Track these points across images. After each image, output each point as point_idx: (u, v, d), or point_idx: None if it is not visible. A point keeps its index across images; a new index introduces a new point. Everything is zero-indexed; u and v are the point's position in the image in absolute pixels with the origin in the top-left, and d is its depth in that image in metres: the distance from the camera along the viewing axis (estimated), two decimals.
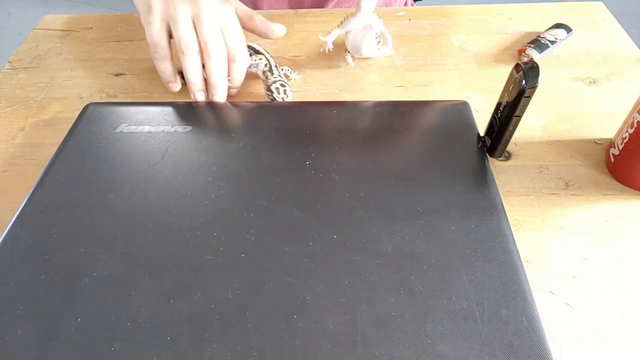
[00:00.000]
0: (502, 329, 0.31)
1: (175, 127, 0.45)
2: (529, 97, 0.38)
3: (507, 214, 0.38)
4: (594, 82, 0.54)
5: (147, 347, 0.31)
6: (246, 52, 0.51)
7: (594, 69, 0.56)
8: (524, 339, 0.31)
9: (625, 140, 0.42)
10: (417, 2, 0.91)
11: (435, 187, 0.40)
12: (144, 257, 0.36)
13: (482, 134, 0.45)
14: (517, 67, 0.39)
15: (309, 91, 0.55)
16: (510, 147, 0.47)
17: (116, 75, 0.58)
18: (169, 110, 0.48)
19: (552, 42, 0.58)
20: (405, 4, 0.85)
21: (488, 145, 0.44)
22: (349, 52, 0.57)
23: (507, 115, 0.40)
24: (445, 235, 0.37)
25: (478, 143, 0.44)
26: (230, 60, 0.49)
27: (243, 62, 0.50)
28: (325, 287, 0.34)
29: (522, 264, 0.35)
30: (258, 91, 0.55)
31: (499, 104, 0.42)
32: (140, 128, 0.45)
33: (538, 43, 0.57)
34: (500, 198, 0.39)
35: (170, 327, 0.32)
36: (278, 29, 0.54)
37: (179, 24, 0.46)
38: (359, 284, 0.34)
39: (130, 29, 0.65)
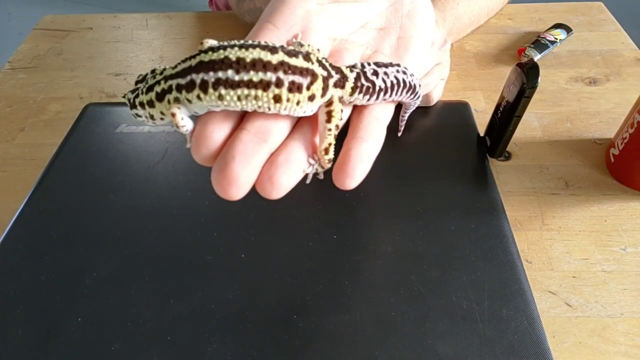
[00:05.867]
0: (502, 329, 0.31)
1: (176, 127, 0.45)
2: (529, 97, 0.38)
3: (507, 214, 0.38)
4: (594, 82, 0.54)
5: (147, 347, 0.31)
6: None
7: (594, 69, 0.56)
8: (524, 339, 0.31)
9: (625, 140, 0.42)
10: None
11: (435, 187, 0.40)
12: (144, 257, 0.36)
13: (482, 134, 0.45)
14: (517, 67, 0.39)
15: None
16: (510, 147, 0.47)
17: (116, 75, 0.58)
18: None
19: (552, 42, 0.58)
20: None
21: (488, 145, 0.44)
22: None
23: (507, 115, 0.40)
24: (445, 235, 0.37)
25: (478, 143, 0.44)
26: None
27: None
28: (325, 287, 0.34)
29: (522, 264, 0.35)
30: None
31: (499, 104, 0.42)
32: (140, 128, 0.45)
33: (538, 43, 0.57)
34: (500, 198, 0.39)
35: (170, 327, 0.32)
36: None
37: None
38: (359, 284, 0.34)
39: (130, 29, 0.65)
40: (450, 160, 0.42)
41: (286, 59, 0.20)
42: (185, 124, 0.22)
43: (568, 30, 0.60)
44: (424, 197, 0.39)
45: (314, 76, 0.21)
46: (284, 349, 0.31)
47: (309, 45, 0.23)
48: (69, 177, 0.42)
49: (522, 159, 0.46)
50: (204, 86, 0.20)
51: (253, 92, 0.20)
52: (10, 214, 0.38)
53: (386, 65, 0.25)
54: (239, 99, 0.20)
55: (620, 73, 0.55)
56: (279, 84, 0.20)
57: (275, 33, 0.24)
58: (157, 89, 0.22)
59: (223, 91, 0.20)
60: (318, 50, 0.23)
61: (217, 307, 0.33)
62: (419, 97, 0.29)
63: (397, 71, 0.26)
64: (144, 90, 0.23)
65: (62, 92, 0.56)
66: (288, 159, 0.22)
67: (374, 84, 0.24)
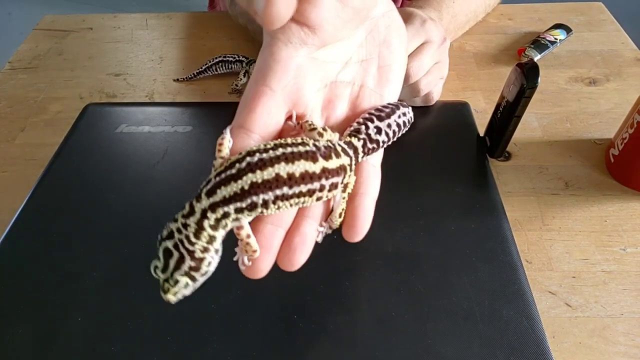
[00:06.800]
0: (502, 329, 0.31)
1: (175, 127, 0.45)
2: (529, 97, 0.38)
3: (507, 214, 0.38)
4: (593, 82, 0.54)
5: (147, 347, 0.31)
6: None
7: (594, 69, 0.56)
8: (524, 339, 0.31)
9: (625, 141, 0.42)
10: None
11: (436, 187, 0.40)
12: (144, 257, 0.36)
13: (482, 134, 0.45)
14: (516, 67, 0.39)
15: None
16: (510, 147, 0.47)
17: (116, 75, 0.58)
18: (168, 110, 0.48)
19: (552, 43, 0.58)
20: (402, 5, 0.85)
21: (488, 145, 0.44)
22: None
23: (507, 115, 0.40)
24: (445, 235, 0.37)
25: (478, 143, 0.44)
26: None
27: None
28: (325, 287, 0.34)
29: (522, 264, 0.35)
30: None
31: (498, 105, 0.42)
32: (140, 128, 0.45)
33: (538, 43, 0.57)
34: (500, 198, 0.39)
35: (170, 327, 0.32)
36: None
37: None
38: (359, 284, 0.34)
39: (130, 29, 0.65)
40: (450, 160, 0.42)
41: (325, 164, 0.23)
42: (250, 232, 0.24)
43: (568, 30, 0.60)
44: (424, 197, 0.39)
45: (344, 170, 0.24)
46: (284, 349, 0.31)
47: (324, 129, 0.25)
48: (69, 177, 0.42)
49: (522, 159, 0.46)
50: (265, 204, 0.23)
51: (302, 199, 0.23)
52: (10, 214, 0.38)
53: (389, 115, 0.27)
54: (290, 205, 0.23)
55: (620, 73, 0.55)
56: (322, 189, 0.23)
57: (274, 97, 0.25)
58: (210, 222, 0.24)
59: (280, 204, 0.23)
60: (335, 133, 0.26)
61: (217, 307, 0.33)
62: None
63: (399, 116, 0.28)
64: (192, 234, 0.24)
65: (62, 92, 0.56)
66: (303, 240, 0.25)
67: (378, 142, 0.27)
